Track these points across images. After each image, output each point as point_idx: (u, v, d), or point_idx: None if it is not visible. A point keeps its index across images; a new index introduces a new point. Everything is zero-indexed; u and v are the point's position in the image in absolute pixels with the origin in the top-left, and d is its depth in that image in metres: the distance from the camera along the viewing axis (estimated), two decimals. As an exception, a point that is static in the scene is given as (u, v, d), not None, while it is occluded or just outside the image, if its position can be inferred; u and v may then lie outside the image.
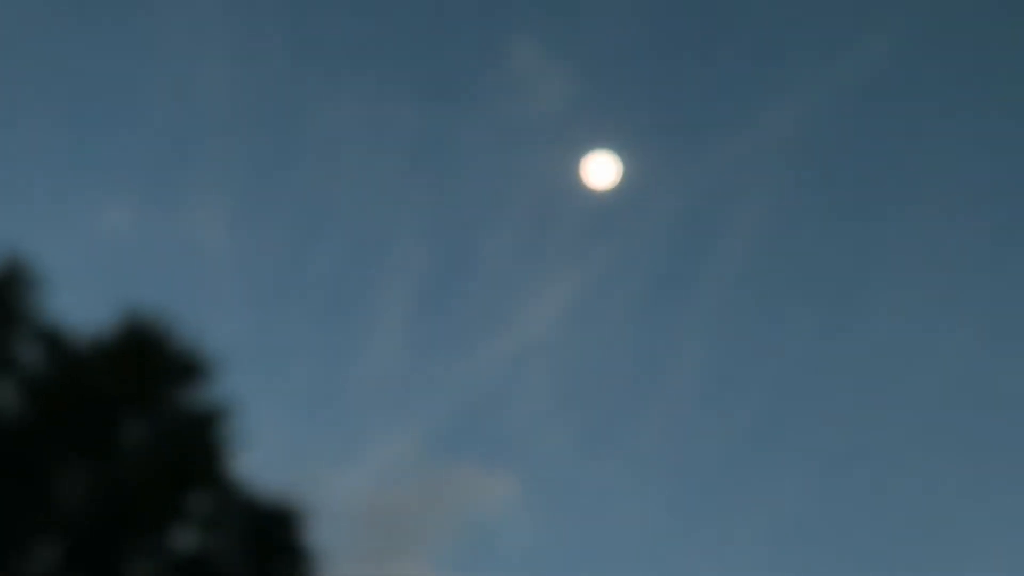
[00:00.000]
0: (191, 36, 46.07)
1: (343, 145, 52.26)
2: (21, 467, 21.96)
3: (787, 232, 50.97)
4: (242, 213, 51.23)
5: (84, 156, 48.62)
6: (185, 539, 23.65)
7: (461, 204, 51.30)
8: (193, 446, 24.02)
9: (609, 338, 51.15)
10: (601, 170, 41.19)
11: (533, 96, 49.39)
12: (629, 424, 50.69)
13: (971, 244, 47.55)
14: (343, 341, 51.98)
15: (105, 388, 23.66)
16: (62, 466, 22.55)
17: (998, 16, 44.24)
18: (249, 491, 24.69)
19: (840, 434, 48.06)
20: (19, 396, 23.68)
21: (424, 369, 50.81)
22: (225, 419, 25.03)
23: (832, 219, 50.58)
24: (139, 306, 25.75)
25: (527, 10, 46.34)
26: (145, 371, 24.40)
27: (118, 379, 23.89)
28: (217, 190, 51.13)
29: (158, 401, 24.43)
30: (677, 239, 50.04)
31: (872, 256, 49.98)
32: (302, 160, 52.52)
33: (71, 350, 25.05)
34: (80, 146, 48.52)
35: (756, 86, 48.72)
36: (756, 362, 51.28)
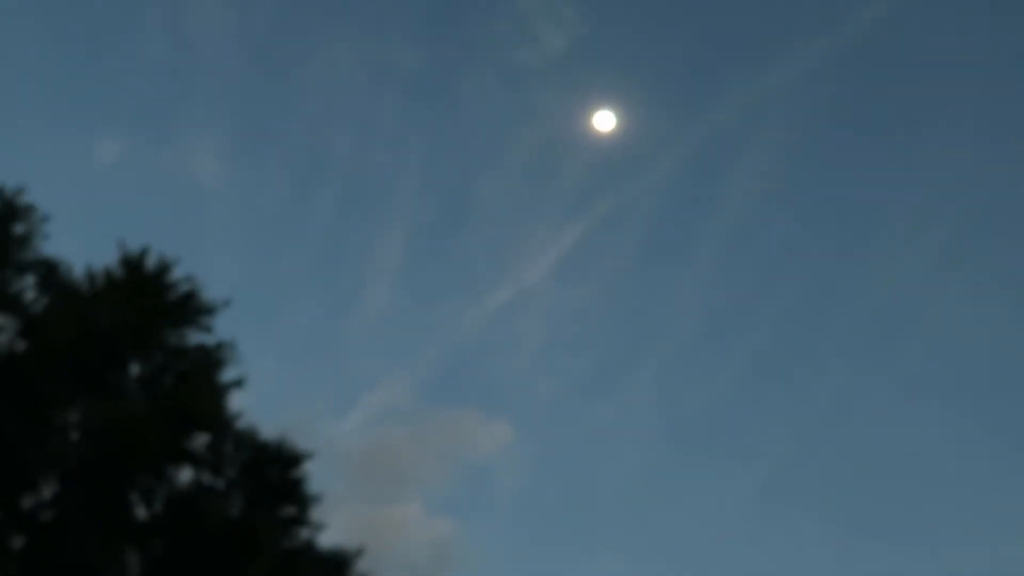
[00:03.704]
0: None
1: (342, 86, 51.50)
2: (21, 402, 21.94)
3: (788, 184, 50.77)
4: (240, 153, 50.64)
5: (80, 92, 47.85)
6: (185, 477, 23.80)
7: (462, 148, 50.81)
8: (193, 386, 24.04)
9: (606, 285, 51.15)
10: (605, 117, 40.82)
11: (538, 40, 48.70)
12: (624, 370, 50.92)
13: (985, 191, 47.44)
14: (342, 284, 51.85)
15: (106, 326, 23.60)
16: (63, 402, 22.56)
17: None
18: (249, 432, 24.82)
19: (836, 382, 48.41)
20: (16, 330, 23.58)
21: (422, 314, 50.78)
22: (225, 360, 25.04)
23: (835, 169, 50.36)
24: (138, 245, 25.62)
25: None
26: (146, 310, 24.33)
27: (119, 317, 23.82)
28: (214, 130, 50.45)
29: (159, 340, 24.41)
30: (678, 188, 49.79)
31: (876, 206, 49.70)
32: (301, 101, 51.75)
33: (69, 285, 24.93)
34: (76, 82, 47.72)
35: (763, 36, 48.19)
36: (752, 312, 51.38)
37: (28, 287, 25.80)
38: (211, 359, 25.49)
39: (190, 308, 25.95)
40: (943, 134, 49.13)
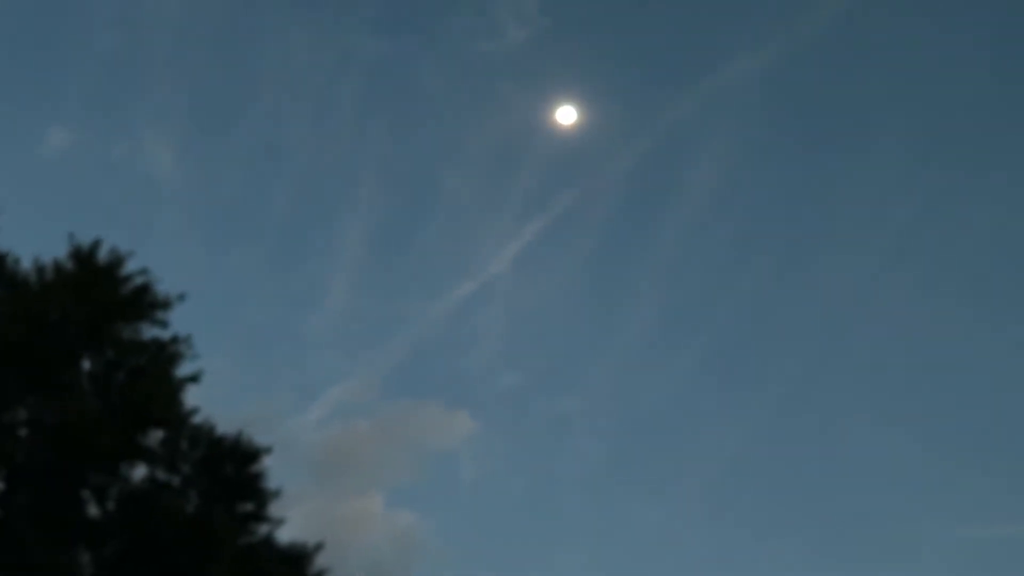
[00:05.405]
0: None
1: (300, 77, 50.79)
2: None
3: (746, 179, 51.10)
4: (194, 145, 49.78)
5: (29, 81, 46.75)
6: (140, 475, 23.31)
7: (422, 141, 50.37)
8: (147, 382, 23.53)
9: (567, 279, 51.11)
10: (567, 112, 40.67)
11: (500, 32, 48.37)
12: (585, 363, 50.90)
13: (935, 187, 48.32)
14: (301, 278, 51.30)
15: (55, 320, 23.00)
16: (10, 399, 21.98)
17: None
18: (205, 427, 24.37)
19: (791, 375, 48.88)
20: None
21: (383, 308, 50.37)
22: (180, 355, 24.56)
23: (791, 164, 50.82)
24: (89, 238, 25.01)
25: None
26: (98, 304, 23.76)
27: (69, 311, 23.22)
28: (168, 120, 49.54)
29: (111, 335, 23.86)
30: (638, 182, 49.88)
31: (826, 204, 50.36)
32: (256, 91, 50.97)
33: (16, 278, 24.28)
34: (25, 71, 46.62)
35: (722, 32, 48.42)
36: (711, 305, 51.65)
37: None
38: (166, 354, 24.92)
39: (143, 302, 25.33)
40: (895, 132, 50.08)
